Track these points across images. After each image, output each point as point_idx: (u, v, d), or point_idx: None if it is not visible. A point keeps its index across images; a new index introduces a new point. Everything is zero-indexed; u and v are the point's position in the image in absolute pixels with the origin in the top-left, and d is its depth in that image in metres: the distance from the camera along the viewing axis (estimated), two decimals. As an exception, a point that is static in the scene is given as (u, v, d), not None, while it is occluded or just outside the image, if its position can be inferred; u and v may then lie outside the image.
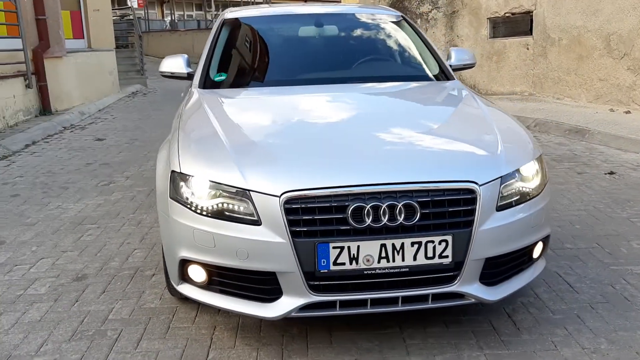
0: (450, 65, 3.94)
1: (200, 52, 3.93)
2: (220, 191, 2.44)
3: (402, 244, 2.35)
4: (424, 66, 3.90)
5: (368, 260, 2.34)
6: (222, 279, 2.50)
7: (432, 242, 2.37)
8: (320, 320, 2.78)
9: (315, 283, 2.36)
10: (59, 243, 3.99)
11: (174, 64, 3.86)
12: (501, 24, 9.34)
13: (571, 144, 6.70)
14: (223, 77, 3.66)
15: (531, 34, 8.89)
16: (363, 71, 3.80)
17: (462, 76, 9.83)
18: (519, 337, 2.67)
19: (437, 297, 2.46)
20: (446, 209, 2.39)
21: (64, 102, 10.30)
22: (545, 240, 2.75)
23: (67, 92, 10.54)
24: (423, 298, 2.45)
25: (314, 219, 2.33)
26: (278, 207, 2.32)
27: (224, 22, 4.11)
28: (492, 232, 2.44)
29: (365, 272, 2.36)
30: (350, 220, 2.32)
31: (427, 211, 2.36)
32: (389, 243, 2.34)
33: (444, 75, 3.79)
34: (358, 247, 2.33)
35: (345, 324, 2.77)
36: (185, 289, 2.62)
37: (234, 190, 2.41)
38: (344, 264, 2.33)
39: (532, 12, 8.83)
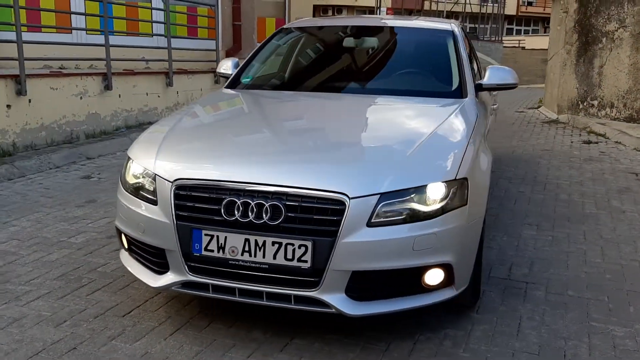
0: (481, 85, 3.74)
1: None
2: (143, 173, 2.83)
3: (264, 242, 2.48)
4: (442, 82, 3.78)
5: (233, 252, 2.52)
6: (134, 247, 2.89)
7: (292, 245, 2.46)
8: (246, 308, 2.98)
9: (192, 264, 2.62)
10: (129, 209, 4.75)
11: (226, 65, 4.33)
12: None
13: None
14: (249, 79, 4.03)
15: None
16: (377, 84, 3.85)
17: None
18: (399, 363, 2.58)
19: (300, 299, 2.53)
20: (312, 216, 2.45)
21: (250, 98, 11.58)
22: (446, 269, 2.59)
23: (255, 89, 11.81)
24: (286, 298, 2.54)
25: (195, 206, 2.59)
26: (169, 191, 2.63)
27: (280, 31, 4.47)
28: (357, 246, 2.43)
29: (230, 262, 2.54)
30: (223, 212, 2.53)
31: (293, 215, 2.46)
32: (252, 238, 2.49)
33: (459, 92, 3.62)
34: (225, 237, 2.53)
35: (266, 314, 2.93)
36: (121, 254, 3.08)
37: (148, 172, 2.78)
38: (213, 250, 2.55)
39: None
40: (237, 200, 2.51)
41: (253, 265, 2.51)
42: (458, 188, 2.61)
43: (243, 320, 2.91)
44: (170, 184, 2.64)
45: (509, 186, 5.68)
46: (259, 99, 3.81)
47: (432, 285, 2.61)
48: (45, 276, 3.41)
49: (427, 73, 3.93)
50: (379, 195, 2.47)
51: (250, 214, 2.49)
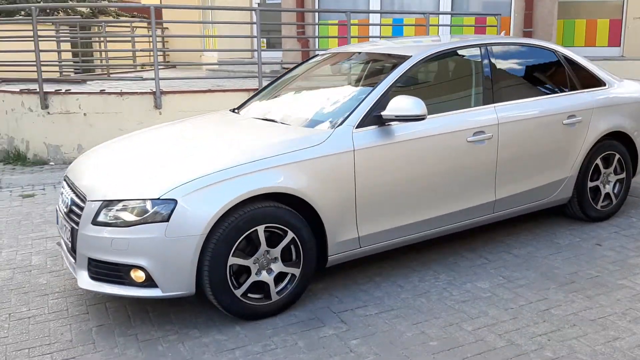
0: (382, 116, 3.56)
1: None
2: None
3: (65, 224, 3.53)
4: (342, 111, 3.71)
5: (62, 228, 3.65)
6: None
7: (68, 228, 3.44)
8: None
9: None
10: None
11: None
12: None
13: None
14: (249, 101, 4.72)
15: None
16: (296, 111, 4.14)
17: None
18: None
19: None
20: (76, 209, 3.39)
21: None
22: (144, 271, 3.10)
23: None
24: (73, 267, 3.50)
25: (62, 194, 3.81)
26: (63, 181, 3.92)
27: (315, 55, 4.93)
28: (85, 237, 3.27)
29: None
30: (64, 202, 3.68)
31: (74, 207, 3.46)
32: (67, 223, 3.54)
33: (340, 123, 3.57)
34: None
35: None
36: None
37: None
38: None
39: None
40: (68, 194, 3.62)
41: (64, 239, 3.60)
42: (163, 206, 3.08)
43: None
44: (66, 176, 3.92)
45: (598, 234, 4.54)
46: (209, 121, 4.45)
47: (141, 282, 3.17)
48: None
49: (348, 101, 3.85)
50: (101, 202, 3.22)
51: (64, 203, 3.58)
